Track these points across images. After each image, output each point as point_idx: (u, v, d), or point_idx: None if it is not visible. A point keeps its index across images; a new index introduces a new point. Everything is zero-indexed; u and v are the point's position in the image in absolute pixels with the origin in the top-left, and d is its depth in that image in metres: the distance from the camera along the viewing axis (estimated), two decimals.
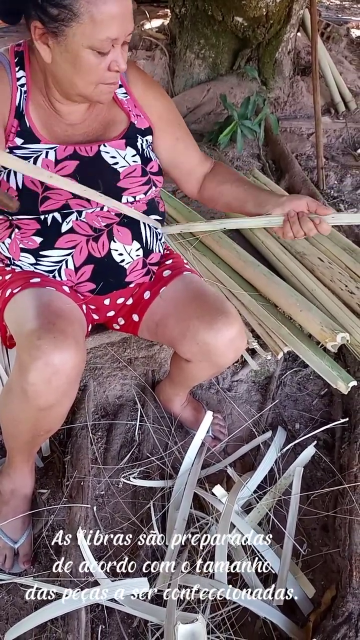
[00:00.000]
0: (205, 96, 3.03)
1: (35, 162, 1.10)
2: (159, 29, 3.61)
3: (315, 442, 1.50)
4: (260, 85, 3.08)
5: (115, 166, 1.16)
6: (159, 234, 1.31)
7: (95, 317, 1.32)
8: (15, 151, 1.10)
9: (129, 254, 1.22)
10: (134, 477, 1.40)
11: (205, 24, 2.95)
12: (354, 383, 1.57)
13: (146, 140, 1.22)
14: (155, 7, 4.11)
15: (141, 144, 1.20)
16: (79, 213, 1.15)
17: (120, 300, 1.30)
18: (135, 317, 1.32)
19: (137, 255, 1.24)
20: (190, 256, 2.02)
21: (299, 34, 3.24)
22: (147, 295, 1.30)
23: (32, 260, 1.18)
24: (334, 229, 2.18)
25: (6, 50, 1.13)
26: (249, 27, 2.85)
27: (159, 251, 1.31)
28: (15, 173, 1.10)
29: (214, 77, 3.10)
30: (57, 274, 1.19)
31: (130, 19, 0.99)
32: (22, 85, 1.10)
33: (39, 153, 1.11)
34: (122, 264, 1.22)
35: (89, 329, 1.32)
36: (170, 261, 1.35)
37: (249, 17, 2.78)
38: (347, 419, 1.54)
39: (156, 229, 1.29)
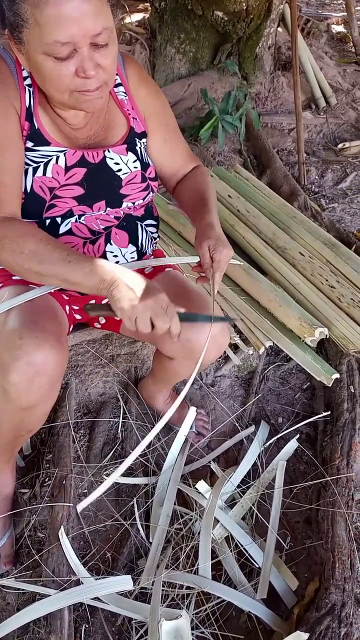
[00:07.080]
0: (186, 91, 3.02)
1: (45, 168, 1.08)
2: (139, 23, 3.59)
3: (298, 435, 1.51)
4: (241, 80, 3.07)
5: (118, 173, 1.15)
6: (155, 237, 1.30)
7: (78, 317, 1.30)
8: (27, 153, 1.07)
9: (123, 256, 1.21)
10: None
11: (185, 18, 2.93)
12: (337, 375, 1.59)
13: (143, 143, 1.21)
14: (135, 0, 4.07)
15: (139, 148, 1.19)
16: (79, 216, 1.14)
17: (105, 301, 1.28)
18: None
19: (132, 258, 1.23)
20: (172, 252, 2.01)
21: (279, 29, 3.24)
22: None
23: None
24: (314, 223, 2.19)
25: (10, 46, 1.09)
26: (229, 21, 2.84)
27: (151, 253, 1.31)
28: (26, 175, 1.07)
29: (195, 72, 3.09)
30: None
31: (90, 18, 0.89)
32: (29, 86, 1.06)
33: (50, 158, 1.08)
34: None
35: (70, 329, 1.30)
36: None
37: (229, 12, 2.78)
38: (329, 412, 1.55)
39: (152, 236, 1.28)
